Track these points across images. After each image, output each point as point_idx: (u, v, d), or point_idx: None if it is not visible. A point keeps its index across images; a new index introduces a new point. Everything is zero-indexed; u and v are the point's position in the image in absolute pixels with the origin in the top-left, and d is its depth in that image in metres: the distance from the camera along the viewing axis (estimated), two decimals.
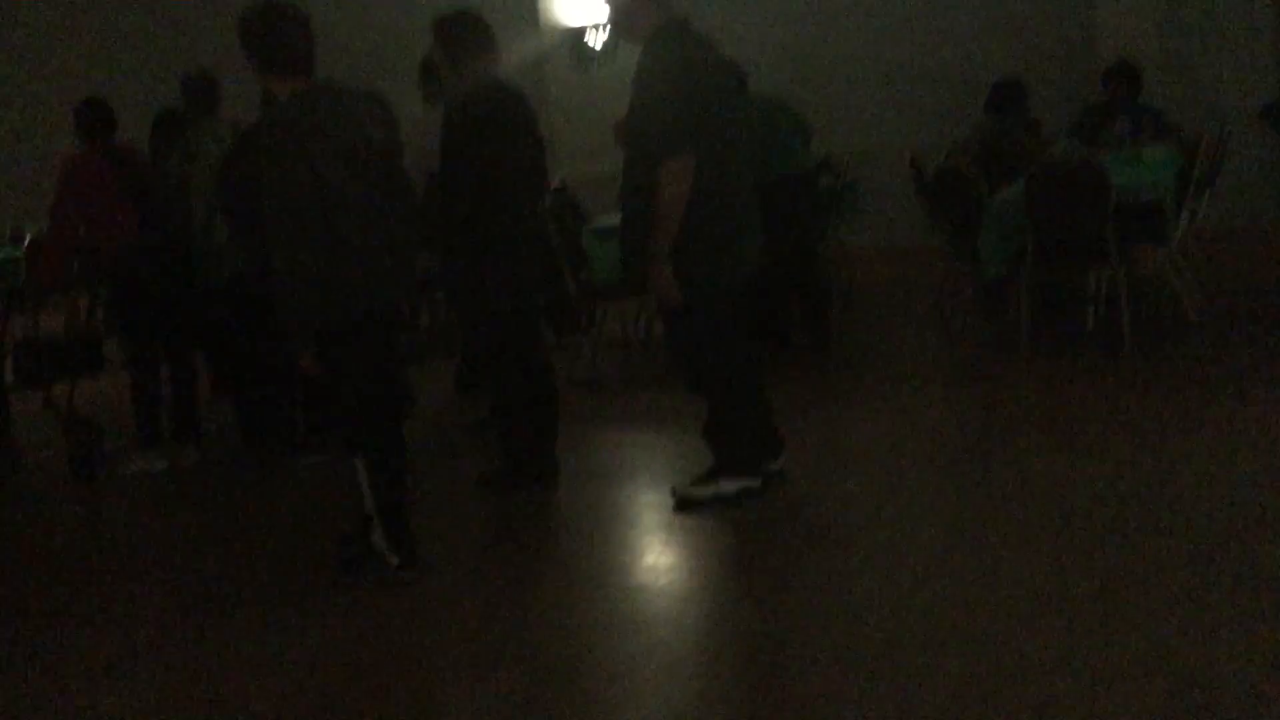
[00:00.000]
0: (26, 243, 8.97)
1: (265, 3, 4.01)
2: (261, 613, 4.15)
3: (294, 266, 3.87)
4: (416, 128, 5.33)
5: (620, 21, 4.62)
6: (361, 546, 4.23)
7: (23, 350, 6.45)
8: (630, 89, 4.39)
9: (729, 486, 4.61)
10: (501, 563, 4.47)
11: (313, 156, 3.84)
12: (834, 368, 6.76)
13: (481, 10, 4.92)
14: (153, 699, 3.60)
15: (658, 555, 4.33)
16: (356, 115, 4.03)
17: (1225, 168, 7.48)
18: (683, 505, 4.64)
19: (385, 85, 4.32)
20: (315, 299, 3.90)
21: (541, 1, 10.76)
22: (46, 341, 6.73)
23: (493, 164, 4.77)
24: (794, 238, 6.77)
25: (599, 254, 6.90)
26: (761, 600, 3.82)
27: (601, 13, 10.01)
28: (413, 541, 4.21)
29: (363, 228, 3.96)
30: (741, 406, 4.61)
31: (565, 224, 7.36)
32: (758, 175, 6.42)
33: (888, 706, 3.02)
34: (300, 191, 3.83)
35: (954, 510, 4.39)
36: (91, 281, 6.75)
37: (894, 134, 9.60)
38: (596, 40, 10.41)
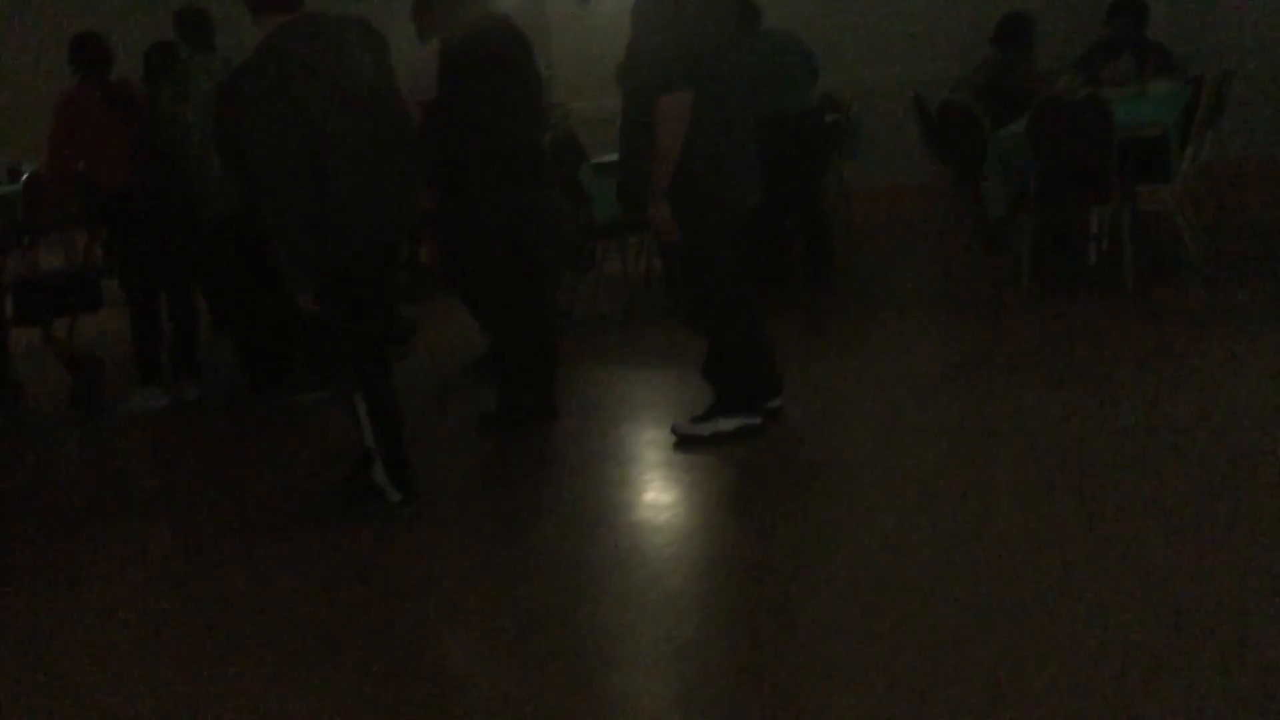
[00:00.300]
0: (24, 180, 8.95)
1: None
2: (260, 548, 4.17)
3: (280, 205, 3.82)
4: (411, 64, 5.29)
5: None
6: (363, 482, 4.24)
7: (22, 287, 6.44)
8: (630, 24, 4.34)
9: (728, 424, 4.62)
10: (502, 499, 4.49)
11: (295, 90, 3.76)
12: (835, 305, 6.75)
13: None
14: (154, 633, 3.62)
15: (658, 492, 4.35)
16: (344, 46, 3.94)
17: (1231, 105, 7.41)
18: (683, 442, 4.65)
19: (378, 20, 4.24)
20: (306, 237, 3.84)
21: None
22: (45, 278, 6.71)
23: (490, 100, 4.73)
24: (798, 175, 6.73)
25: (598, 190, 6.87)
26: (761, 535, 3.84)
27: None
28: (414, 477, 4.23)
29: (352, 163, 3.89)
30: (740, 344, 4.61)
31: (565, 161, 7.32)
32: (767, 109, 6.37)
33: (884, 639, 3.04)
34: (283, 127, 3.76)
35: (952, 446, 4.40)
36: (90, 218, 6.73)
37: (897, 68, 9.51)
38: None
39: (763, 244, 6.49)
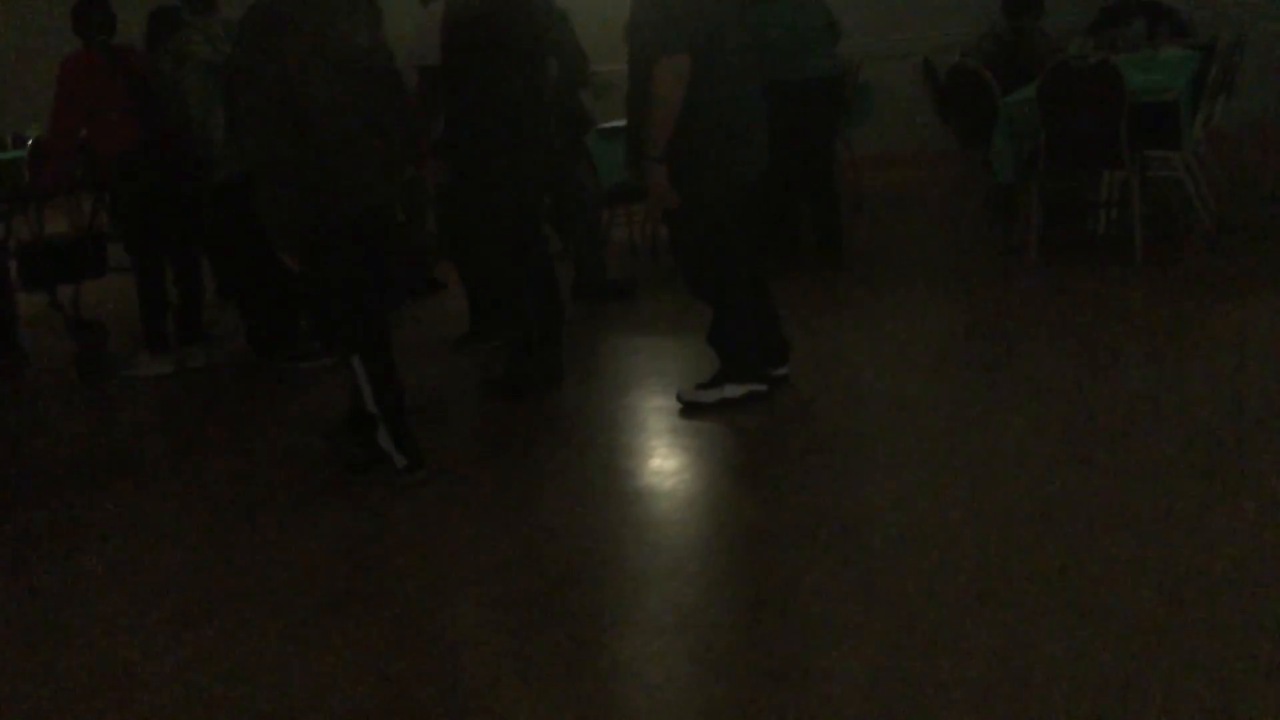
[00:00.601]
0: (29, 145, 8.92)
1: None
2: (265, 513, 4.17)
3: (267, 168, 3.82)
4: (414, 29, 5.25)
5: None
6: (355, 445, 4.23)
7: (27, 253, 6.43)
8: None
9: (734, 391, 4.60)
10: (506, 467, 4.48)
11: (283, 55, 3.75)
12: (843, 273, 6.72)
13: None
14: (160, 600, 3.63)
15: (663, 459, 4.34)
16: (335, 10, 3.91)
17: (1243, 70, 7.35)
18: (688, 409, 4.64)
19: None
20: (291, 201, 3.84)
21: None
22: (50, 244, 6.70)
23: (495, 66, 4.70)
24: (811, 141, 6.68)
25: (604, 156, 6.83)
26: (766, 503, 3.83)
27: None
28: (418, 443, 4.22)
29: (340, 127, 3.88)
30: (744, 311, 4.58)
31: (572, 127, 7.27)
32: (789, 75, 6.29)
33: (889, 609, 3.04)
34: (268, 89, 3.75)
35: (960, 416, 4.38)
36: (94, 184, 6.71)
37: (907, 33, 9.44)
38: None
39: (771, 211, 6.46)
